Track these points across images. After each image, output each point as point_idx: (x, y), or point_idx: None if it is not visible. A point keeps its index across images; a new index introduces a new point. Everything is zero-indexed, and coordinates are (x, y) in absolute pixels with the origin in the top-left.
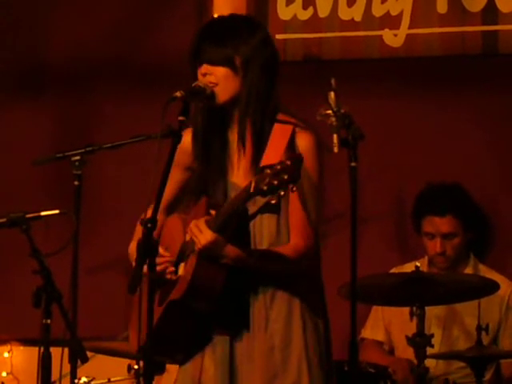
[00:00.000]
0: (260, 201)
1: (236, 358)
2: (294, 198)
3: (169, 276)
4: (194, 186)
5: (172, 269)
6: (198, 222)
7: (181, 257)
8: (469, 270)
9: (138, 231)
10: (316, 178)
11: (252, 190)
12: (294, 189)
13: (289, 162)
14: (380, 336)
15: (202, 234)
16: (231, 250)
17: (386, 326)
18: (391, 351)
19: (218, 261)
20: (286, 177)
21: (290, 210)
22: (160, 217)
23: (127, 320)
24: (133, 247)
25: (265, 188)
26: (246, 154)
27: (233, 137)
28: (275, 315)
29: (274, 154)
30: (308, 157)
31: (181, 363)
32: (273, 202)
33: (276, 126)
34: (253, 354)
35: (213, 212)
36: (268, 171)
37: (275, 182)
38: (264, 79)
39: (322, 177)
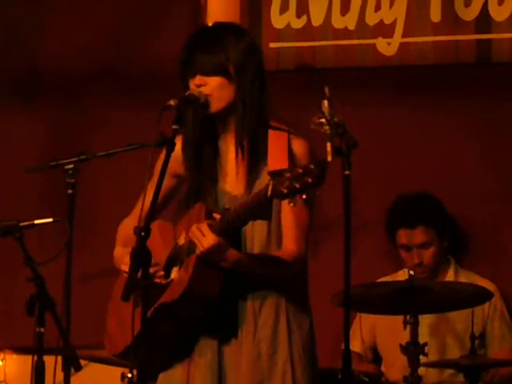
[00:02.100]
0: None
1: (224, 365)
2: (286, 204)
3: (158, 280)
4: (186, 195)
5: (162, 273)
6: (201, 226)
7: (172, 261)
8: (450, 276)
9: (121, 236)
10: None
11: (270, 192)
12: (318, 193)
13: (312, 166)
14: (356, 347)
15: (205, 238)
16: (232, 254)
17: (363, 337)
18: (373, 360)
19: (217, 265)
20: (309, 180)
21: (282, 215)
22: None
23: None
24: (117, 252)
25: (285, 191)
26: (242, 160)
27: (225, 144)
28: (263, 322)
29: (278, 160)
30: (303, 163)
31: (159, 371)
32: (291, 205)
33: (270, 132)
34: (240, 361)
35: (216, 216)
36: (288, 175)
37: (297, 185)
38: (256, 85)
39: None
